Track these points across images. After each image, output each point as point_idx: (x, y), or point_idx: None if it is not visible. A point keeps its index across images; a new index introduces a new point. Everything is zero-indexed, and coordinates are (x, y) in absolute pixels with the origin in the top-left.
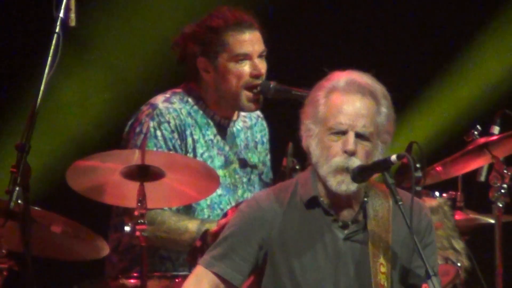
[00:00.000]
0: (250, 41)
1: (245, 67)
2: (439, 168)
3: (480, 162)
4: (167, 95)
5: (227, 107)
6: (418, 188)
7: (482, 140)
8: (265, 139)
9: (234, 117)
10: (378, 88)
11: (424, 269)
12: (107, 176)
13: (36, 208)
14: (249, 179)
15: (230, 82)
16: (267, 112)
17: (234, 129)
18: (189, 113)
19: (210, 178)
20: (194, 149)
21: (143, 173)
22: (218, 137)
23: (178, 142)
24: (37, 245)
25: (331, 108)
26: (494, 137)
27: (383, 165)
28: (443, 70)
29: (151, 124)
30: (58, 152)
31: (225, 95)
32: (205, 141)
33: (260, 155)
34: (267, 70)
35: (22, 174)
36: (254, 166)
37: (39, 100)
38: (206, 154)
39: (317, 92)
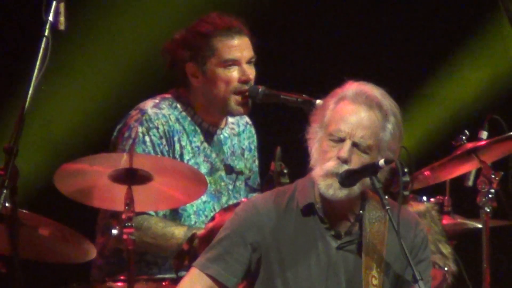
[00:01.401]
0: (239, 46)
1: (234, 73)
2: (427, 173)
3: (468, 167)
4: (156, 101)
5: (215, 112)
6: (406, 193)
7: (470, 145)
8: (253, 146)
9: (222, 125)
10: (388, 103)
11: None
12: (95, 179)
13: (24, 211)
14: (234, 186)
15: (218, 87)
16: (254, 117)
17: (222, 136)
18: (177, 119)
19: (198, 182)
20: (181, 155)
21: (131, 177)
22: (205, 144)
23: (166, 148)
24: (25, 248)
25: (335, 115)
26: (482, 142)
27: (370, 170)
28: (432, 75)
29: (140, 129)
30: (46, 155)
31: (213, 100)
32: (192, 148)
33: (247, 162)
34: (256, 75)
35: (10, 177)
36: (240, 173)
37: (27, 103)
38: (192, 161)
39: (329, 99)
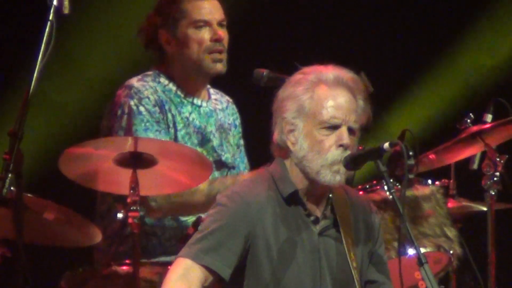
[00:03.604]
0: (209, 8)
1: (205, 33)
2: (432, 156)
3: (473, 150)
4: (139, 77)
5: (194, 78)
6: (411, 176)
7: (475, 128)
8: (237, 122)
9: (205, 98)
10: (357, 81)
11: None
12: (99, 163)
13: (29, 195)
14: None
15: (191, 49)
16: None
17: (207, 109)
18: (163, 91)
19: (202, 165)
20: (174, 124)
21: (136, 160)
22: (193, 115)
23: (161, 115)
24: (30, 232)
25: (321, 102)
26: (487, 125)
27: (375, 153)
28: (436, 57)
29: (132, 102)
30: (51, 139)
31: (188, 63)
32: (182, 118)
33: (234, 138)
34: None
35: (15, 161)
36: (231, 167)
37: (32, 87)
38: (183, 131)
39: (297, 87)
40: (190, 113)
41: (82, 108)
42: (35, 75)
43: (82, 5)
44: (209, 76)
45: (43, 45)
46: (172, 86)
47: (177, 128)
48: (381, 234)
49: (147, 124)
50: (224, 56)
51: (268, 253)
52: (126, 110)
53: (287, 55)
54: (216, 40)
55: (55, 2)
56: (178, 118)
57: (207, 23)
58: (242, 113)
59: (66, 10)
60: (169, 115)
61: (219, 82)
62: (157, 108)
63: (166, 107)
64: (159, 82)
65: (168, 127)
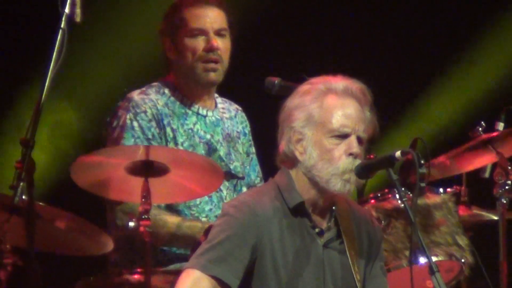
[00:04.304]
0: (207, 16)
1: (200, 42)
2: (443, 159)
3: (485, 160)
4: (143, 89)
5: (193, 87)
6: (423, 185)
7: (486, 136)
8: (247, 130)
9: (211, 107)
10: (365, 92)
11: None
12: (111, 171)
13: (40, 203)
14: (234, 191)
15: (186, 57)
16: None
17: (213, 118)
18: (166, 104)
19: (214, 174)
20: (174, 138)
21: (148, 169)
22: (198, 126)
23: (157, 130)
24: (41, 241)
25: (330, 111)
26: (498, 133)
27: (387, 162)
28: (448, 66)
29: (128, 116)
30: (62, 148)
31: (184, 71)
32: (185, 130)
33: (244, 146)
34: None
35: (27, 170)
36: (241, 178)
37: (44, 95)
38: (187, 143)
39: (305, 96)
40: (194, 124)
41: (94, 115)
42: (46, 83)
43: (93, 14)
44: (203, 85)
45: (54, 53)
46: (176, 96)
47: (178, 141)
48: (382, 248)
49: (137, 140)
50: (219, 66)
51: (274, 264)
52: (121, 123)
53: (298, 64)
54: (209, 49)
55: (67, 10)
56: (180, 131)
57: (202, 32)
58: (254, 122)
59: (77, 18)
60: (168, 129)
61: (231, 90)
62: (153, 123)
63: (165, 121)
64: (163, 93)
65: (167, 141)
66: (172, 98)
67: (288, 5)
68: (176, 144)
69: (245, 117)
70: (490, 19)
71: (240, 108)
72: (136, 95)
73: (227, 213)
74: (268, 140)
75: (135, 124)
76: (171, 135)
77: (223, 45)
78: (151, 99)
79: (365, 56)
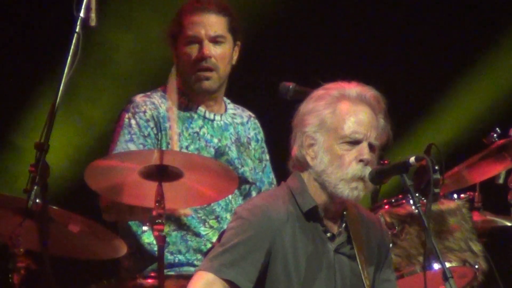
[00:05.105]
0: (202, 23)
1: (193, 50)
2: (461, 173)
3: (500, 167)
4: (148, 93)
5: (194, 92)
6: (437, 190)
7: (501, 142)
8: (259, 137)
9: (220, 111)
10: (379, 99)
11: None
12: (125, 176)
13: (54, 207)
14: (244, 197)
15: (183, 65)
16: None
17: (222, 122)
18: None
19: (228, 178)
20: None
21: (162, 173)
22: (204, 130)
23: (154, 130)
24: (55, 244)
25: (343, 117)
26: None
27: (401, 167)
28: (463, 72)
29: (126, 115)
30: (76, 151)
31: (183, 77)
32: (189, 134)
33: (256, 152)
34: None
35: (41, 173)
36: (252, 183)
37: (58, 99)
38: (192, 147)
39: (319, 102)
40: (200, 128)
41: (110, 119)
42: (61, 87)
43: (111, 16)
44: (199, 93)
45: (69, 57)
46: (182, 101)
47: (182, 145)
48: (391, 254)
49: (133, 136)
50: (213, 73)
51: (286, 268)
52: (120, 123)
53: (313, 69)
54: (201, 58)
55: (81, 14)
56: (185, 134)
57: (196, 39)
58: (267, 127)
59: (92, 23)
60: (170, 132)
61: (245, 95)
62: (150, 123)
63: (167, 125)
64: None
65: (167, 144)
66: (177, 102)
67: (304, 9)
68: (180, 148)
69: (258, 124)
70: (506, 25)
71: (253, 115)
72: (138, 97)
73: (240, 216)
74: (282, 145)
75: (133, 122)
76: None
77: (219, 52)
78: (153, 102)
79: (380, 62)
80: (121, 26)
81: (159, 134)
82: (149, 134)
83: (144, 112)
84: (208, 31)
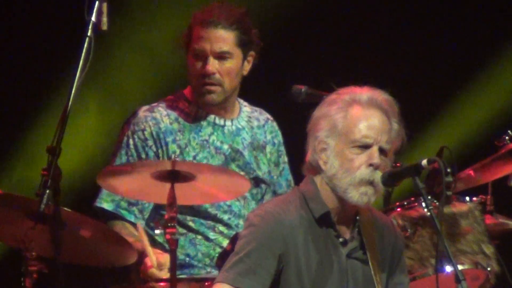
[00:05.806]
0: (208, 38)
1: (198, 64)
2: (470, 173)
3: (511, 168)
4: (154, 104)
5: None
6: (449, 193)
7: None
8: (276, 140)
9: (233, 115)
10: (392, 103)
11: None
12: (138, 179)
13: (66, 209)
14: (262, 198)
15: (190, 78)
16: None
17: (233, 127)
18: (175, 119)
19: (240, 180)
20: (181, 155)
21: (174, 176)
22: (214, 137)
23: (154, 148)
24: (67, 251)
25: (353, 121)
26: None
27: (413, 170)
28: (475, 75)
29: (126, 132)
30: (89, 156)
31: (192, 86)
32: (197, 143)
33: (272, 156)
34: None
35: (53, 177)
36: (269, 184)
37: (70, 103)
38: (200, 155)
39: (331, 106)
40: (210, 135)
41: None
42: (73, 91)
43: (121, 23)
44: (204, 105)
45: (81, 61)
46: (191, 109)
47: (189, 156)
48: (404, 256)
49: (130, 158)
50: (217, 88)
51: (298, 273)
52: (121, 138)
53: (325, 72)
54: (204, 74)
55: (93, 18)
56: (192, 144)
57: (202, 54)
58: (285, 130)
59: (104, 27)
60: (174, 146)
61: (259, 98)
62: (148, 142)
63: (170, 139)
64: (176, 107)
65: (169, 158)
66: (186, 111)
67: (317, 12)
68: (183, 160)
69: (276, 127)
70: None
71: (271, 118)
72: (142, 111)
73: (252, 224)
74: (296, 149)
75: (131, 142)
76: (178, 151)
77: (224, 67)
78: (154, 117)
79: (392, 65)
80: (132, 32)
81: (159, 150)
82: (147, 154)
83: (143, 130)
84: (213, 47)
